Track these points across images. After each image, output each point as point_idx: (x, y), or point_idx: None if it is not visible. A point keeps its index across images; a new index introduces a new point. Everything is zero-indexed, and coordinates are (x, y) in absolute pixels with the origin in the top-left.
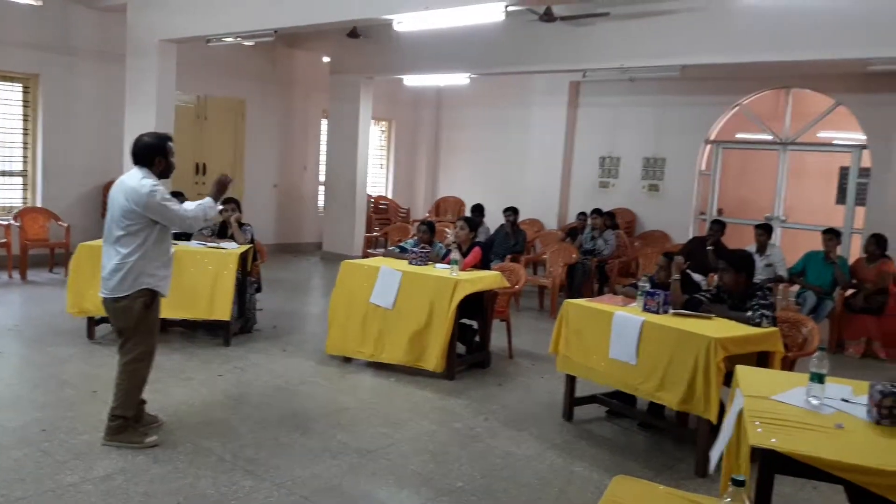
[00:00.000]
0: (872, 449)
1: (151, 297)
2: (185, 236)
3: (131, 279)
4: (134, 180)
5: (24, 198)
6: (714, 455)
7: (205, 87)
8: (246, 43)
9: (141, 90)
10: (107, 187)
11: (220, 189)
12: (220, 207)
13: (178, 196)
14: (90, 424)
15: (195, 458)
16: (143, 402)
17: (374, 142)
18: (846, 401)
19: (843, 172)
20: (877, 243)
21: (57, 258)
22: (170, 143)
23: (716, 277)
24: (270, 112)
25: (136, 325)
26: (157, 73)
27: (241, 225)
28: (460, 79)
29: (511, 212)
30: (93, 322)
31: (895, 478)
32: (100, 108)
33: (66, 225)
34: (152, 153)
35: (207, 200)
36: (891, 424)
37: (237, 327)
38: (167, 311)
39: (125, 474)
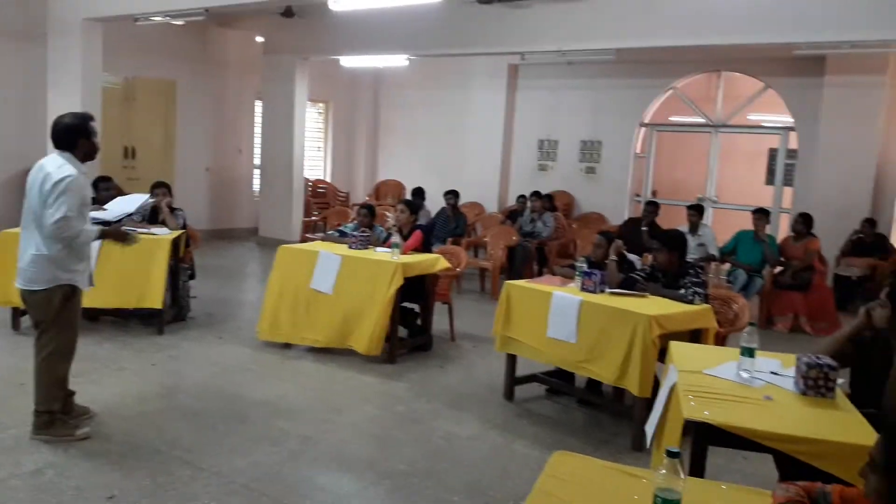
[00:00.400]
0: (799, 419)
1: (71, 291)
2: (115, 223)
3: (49, 273)
4: (54, 164)
5: None
6: (649, 429)
7: (133, 68)
8: (176, 22)
9: (64, 71)
10: (28, 172)
11: (118, 236)
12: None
13: (107, 181)
14: (17, 418)
15: (129, 450)
16: (72, 393)
17: (311, 124)
18: (775, 373)
19: (772, 154)
20: (804, 222)
21: None
22: (92, 123)
23: (650, 257)
24: (202, 94)
25: (54, 318)
26: (82, 53)
27: (172, 210)
28: (399, 60)
29: (452, 195)
30: (18, 312)
31: (820, 445)
32: (20, 90)
33: None
34: (74, 135)
35: (94, 230)
36: (816, 395)
37: (171, 315)
38: (98, 300)
39: (56, 468)
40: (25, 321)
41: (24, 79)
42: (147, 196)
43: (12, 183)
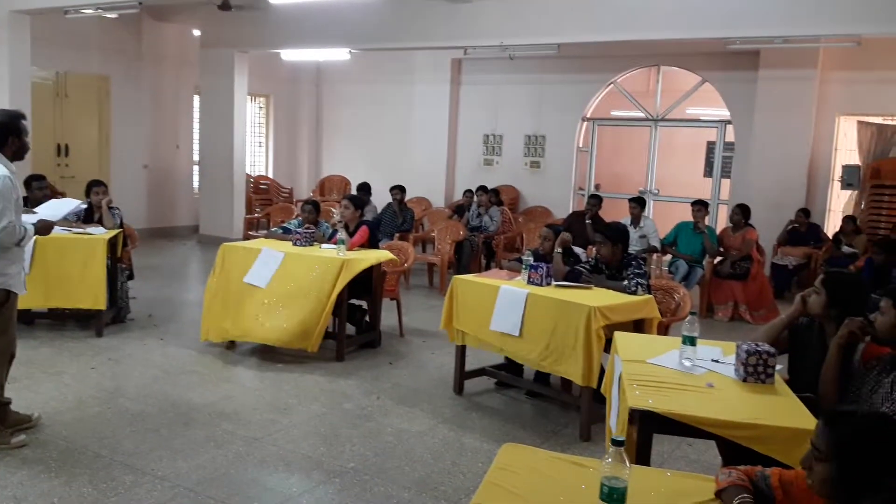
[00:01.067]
0: (740, 405)
1: (5, 296)
2: None
3: None
4: None
5: None
6: (613, 424)
7: (65, 62)
8: (108, 15)
9: None
10: None
11: (45, 228)
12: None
13: (40, 179)
14: None
15: (69, 457)
16: (8, 401)
17: (252, 118)
18: (716, 361)
19: (710, 147)
20: (741, 213)
21: None
22: (23, 122)
23: (594, 250)
24: (138, 89)
25: None
26: (9, 46)
27: (109, 208)
28: (340, 54)
29: (398, 190)
30: None
31: (761, 430)
32: None
33: None
34: (4, 133)
35: (31, 228)
36: (756, 381)
37: (109, 317)
38: (33, 302)
39: None
40: None
41: None
42: (79, 202)
43: None
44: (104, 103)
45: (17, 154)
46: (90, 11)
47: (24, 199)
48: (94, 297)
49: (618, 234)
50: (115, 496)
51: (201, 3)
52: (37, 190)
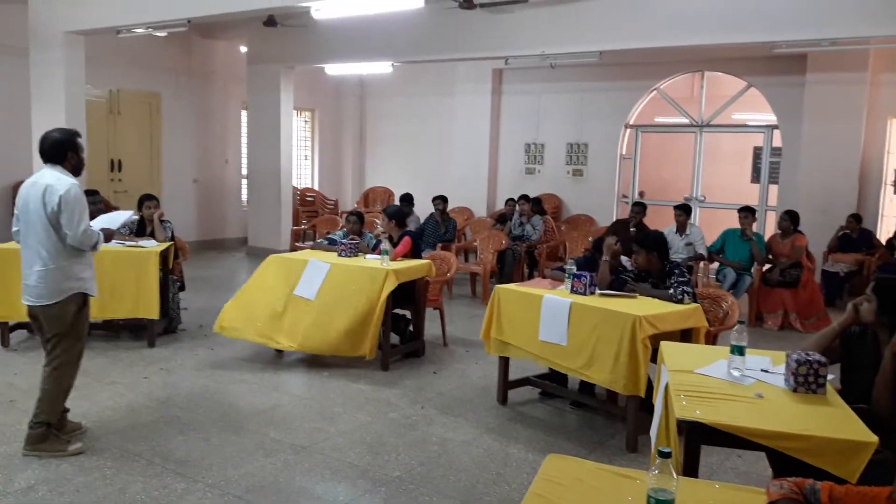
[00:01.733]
0: (790, 415)
1: (83, 300)
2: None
3: (60, 285)
4: (51, 177)
5: None
6: (653, 434)
7: (117, 80)
8: (158, 34)
9: (47, 85)
10: (15, 188)
11: (108, 236)
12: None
13: (93, 194)
14: (9, 435)
15: (123, 464)
16: (66, 409)
17: (298, 132)
18: (765, 371)
19: (757, 152)
20: (790, 219)
21: None
22: (79, 139)
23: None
24: (187, 105)
25: (68, 330)
26: (65, 66)
27: (161, 222)
28: (383, 67)
29: (440, 200)
30: (7, 328)
31: (812, 442)
32: (3, 105)
33: None
34: (63, 149)
35: (102, 234)
36: (807, 391)
37: (161, 328)
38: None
39: (49, 485)
40: (15, 337)
41: (7, 94)
42: (131, 212)
43: None
44: (155, 119)
45: (75, 169)
46: (141, 31)
47: None
48: (147, 307)
49: (651, 241)
50: (166, 503)
51: (248, 21)
52: (91, 205)
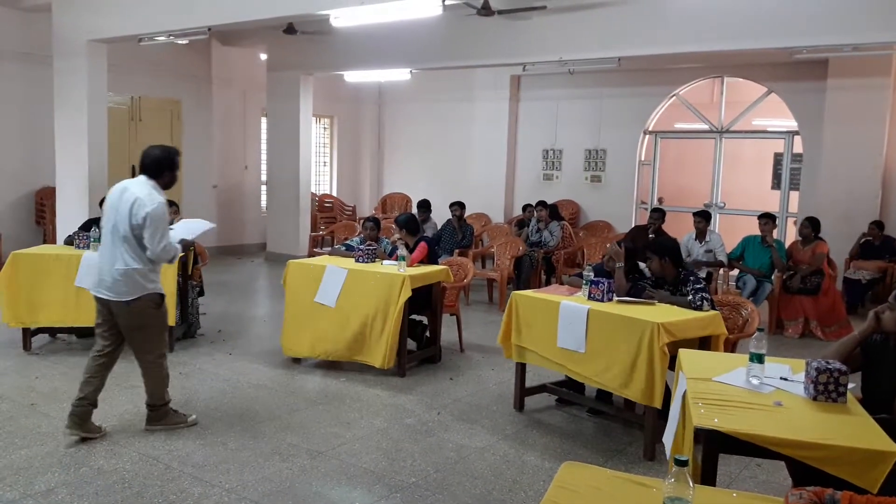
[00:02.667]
0: (810, 424)
1: (160, 298)
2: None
3: (138, 284)
4: (143, 190)
5: None
6: (667, 441)
7: (138, 87)
8: (179, 41)
9: (71, 92)
10: (39, 193)
11: (186, 246)
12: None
13: None
14: (29, 438)
15: (141, 468)
16: (94, 406)
17: (317, 139)
18: (785, 379)
19: (777, 158)
20: (811, 226)
21: None
22: (177, 157)
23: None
24: (207, 111)
25: (149, 323)
26: (88, 74)
27: None
28: (401, 74)
29: (457, 206)
30: (29, 333)
31: (831, 451)
32: (27, 111)
33: None
34: (161, 166)
35: (179, 246)
36: (827, 400)
37: (180, 332)
38: None
39: (68, 487)
40: (37, 341)
41: (31, 101)
42: (208, 222)
43: (20, 203)
44: (175, 126)
45: (167, 185)
46: (162, 38)
47: (100, 219)
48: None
49: (662, 246)
50: None
51: (268, 28)
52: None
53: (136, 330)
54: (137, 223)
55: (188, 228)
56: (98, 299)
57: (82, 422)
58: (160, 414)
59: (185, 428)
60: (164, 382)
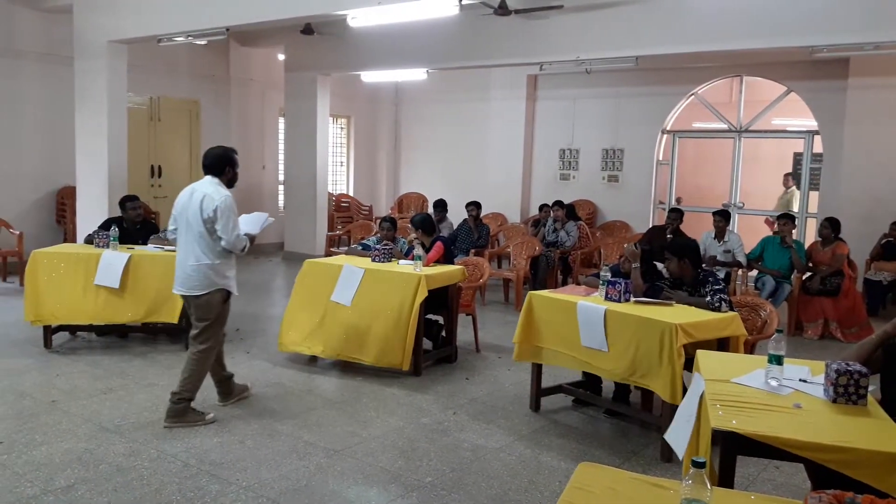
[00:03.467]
0: (829, 426)
1: (227, 295)
2: (142, 241)
3: (209, 279)
4: (209, 188)
5: None
6: (670, 439)
7: (157, 87)
8: (198, 42)
9: (91, 93)
10: (60, 192)
11: (251, 240)
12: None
13: (133, 200)
14: (49, 435)
15: (160, 465)
16: (231, 375)
17: (333, 139)
18: (804, 381)
19: (797, 158)
20: (831, 226)
21: (10, 267)
22: (235, 156)
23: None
24: (226, 111)
25: (215, 317)
26: (108, 74)
27: None
28: (418, 74)
29: (474, 206)
30: (49, 330)
31: (851, 453)
32: (48, 112)
33: (17, 232)
34: (222, 163)
35: (247, 239)
36: (847, 402)
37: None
38: (130, 316)
39: (88, 484)
40: (57, 339)
41: (52, 101)
42: (266, 214)
43: (42, 202)
44: (194, 126)
45: (230, 182)
46: (181, 39)
47: (120, 218)
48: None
49: (681, 247)
50: None
51: (285, 29)
52: (130, 210)
53: (200, 321)
54: (209, 217)
55: (251, 222)
56: (181, 296)
57: (229, 392)
58: (181, 409)
59: (203, 426)
60: (200, 378)
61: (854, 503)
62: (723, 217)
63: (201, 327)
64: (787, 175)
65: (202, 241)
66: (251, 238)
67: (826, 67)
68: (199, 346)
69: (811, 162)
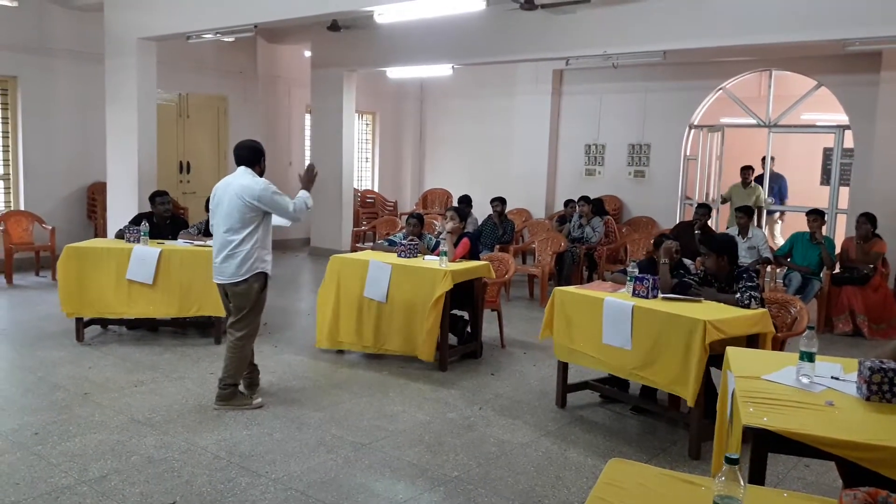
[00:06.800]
0: (862, 424)
1: (265, 280)
2: (171, 236)
3: (248, 265)
4: (245, 179)
5: (7, 201)
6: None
7: (186, 84)
8: (226, 39)
9: (121, 90)
10: (91, 188)
11: (310, 179)
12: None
13: (163, 195)
14: (83, 426)
15: (190, 457)
16: (256, 367)
17: (359, 135)
18: (836, 378)
19: (827, 154)
20: (869, 222)
21: (42, 261)
22: (263, 149)
23: (700, 261)
24: (253, 108)
25: (253, 305)
26: (137, 71)
27: None
28: (443, 69)
29: (498, 202)
30: (82, 324)
31: (885, 452)
32: (79, 108)
33: (50, 227)
34: (256, 156)
35: (304, 193)
36: (881, 400)
37: (227, 326)
38: (159, 310)
39: (120, 475)
40: (89, 332)
41: (83, 98)
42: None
43: (73, 198)
44: (222, 122)
45: (262, 172)
46: (210, 36)
47: (150, 214)
48: (215, 306)
49: (722, 245)
50: (231, 496)
51: (312, 25)
52: (160, 205)
53: (239, 309)
54: (251, 204)
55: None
56: (218, 285)
57: (254, 385)
58: (229, 394)
59: (250, 410)
60: (243, 364)
61: (888, 502)
62: (745, 213)
63: (239, 315)
64: (748, 168)
65: (240, 230)
66: (310, 178)
67: (857, 61)
68: (238, 333)
69: (841, 157)
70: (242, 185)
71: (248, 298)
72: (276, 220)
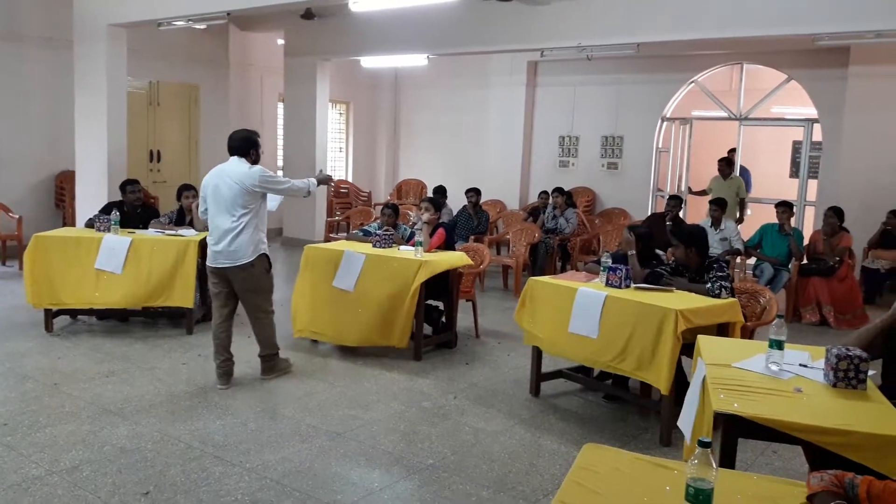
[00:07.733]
0: (830, 410)
1: (268, 262)
2: (142, 225)
3: (251, 248)
4: (242, 168)
5: None
6: (683, 426)
7: (157, 72)
8: (198, 26)
9: (91, 77)
10: (59, 177)
11: (323, 179)
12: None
13: (133, 184)
14: (53, 417)
15: (163, 447)
16: (232, 359)
17: (333, 125)
18: (804, 366)
19: (796, 147)
20: (836, 216)
21: (9, 251)
22: (259, 138)
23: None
24: (225, 96)
25: (261, 286)
26: (107, 58)
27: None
28: (418, 59)
29: (473, 193)
30: (51, 314)
31: (851, 436)
32: (48, 96)
33: (17, 216)
34: (249, 145)
35: (311, 180)
36: (847, 386)
37: (199, 315)
38: (129, 299)
39: (92, 465)
40: (58, 322)
41: (52, 85)
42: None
43: (41, 187)
44: (193, 111)
45: (255, 161)
46: (181, 23)
47: (121, 202)
48: (185, 296)
49: (691, 236)
50: (205, 486)
51: (286, 13)
52: (130, 193)
53: (251, 292)
54: (254, 190)
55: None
56: (214, 271)
57: (273, 368)
58: (273, 364)
59: (284, 375)
60: (272, 333)
61: (853, 483)
62: (719, 206)
63: (251, 300)
64: (726, 160)
65: (243, 215)
66: (321, 180)
67: (827, 56)
68: (257, 313)
69: (810, 150)
70: (241, 173)
71: (255, 279)
72: (269, 203)
